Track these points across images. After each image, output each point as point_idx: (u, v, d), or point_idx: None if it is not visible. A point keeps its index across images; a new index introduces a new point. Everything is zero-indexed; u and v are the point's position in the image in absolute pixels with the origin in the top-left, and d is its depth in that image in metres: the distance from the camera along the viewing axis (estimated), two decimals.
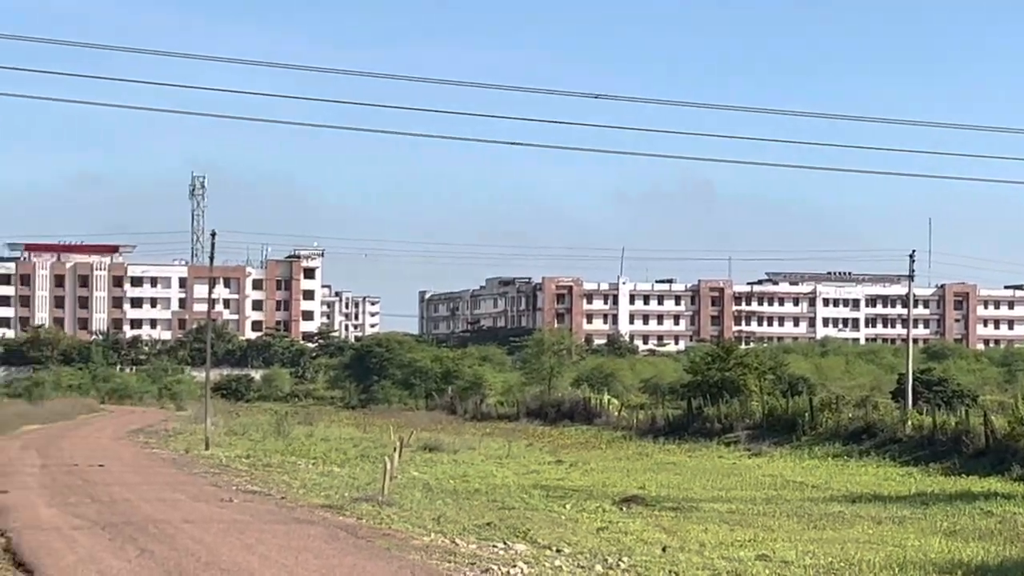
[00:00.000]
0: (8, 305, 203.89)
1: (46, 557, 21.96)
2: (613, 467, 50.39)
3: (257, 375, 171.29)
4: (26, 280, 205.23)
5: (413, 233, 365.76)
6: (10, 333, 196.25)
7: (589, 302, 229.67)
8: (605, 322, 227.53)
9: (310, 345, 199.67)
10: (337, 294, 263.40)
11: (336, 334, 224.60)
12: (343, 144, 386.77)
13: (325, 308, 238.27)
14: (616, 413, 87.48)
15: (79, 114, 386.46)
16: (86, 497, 33.31)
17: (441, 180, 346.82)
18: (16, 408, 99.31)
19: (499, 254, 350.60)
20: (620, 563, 22.92)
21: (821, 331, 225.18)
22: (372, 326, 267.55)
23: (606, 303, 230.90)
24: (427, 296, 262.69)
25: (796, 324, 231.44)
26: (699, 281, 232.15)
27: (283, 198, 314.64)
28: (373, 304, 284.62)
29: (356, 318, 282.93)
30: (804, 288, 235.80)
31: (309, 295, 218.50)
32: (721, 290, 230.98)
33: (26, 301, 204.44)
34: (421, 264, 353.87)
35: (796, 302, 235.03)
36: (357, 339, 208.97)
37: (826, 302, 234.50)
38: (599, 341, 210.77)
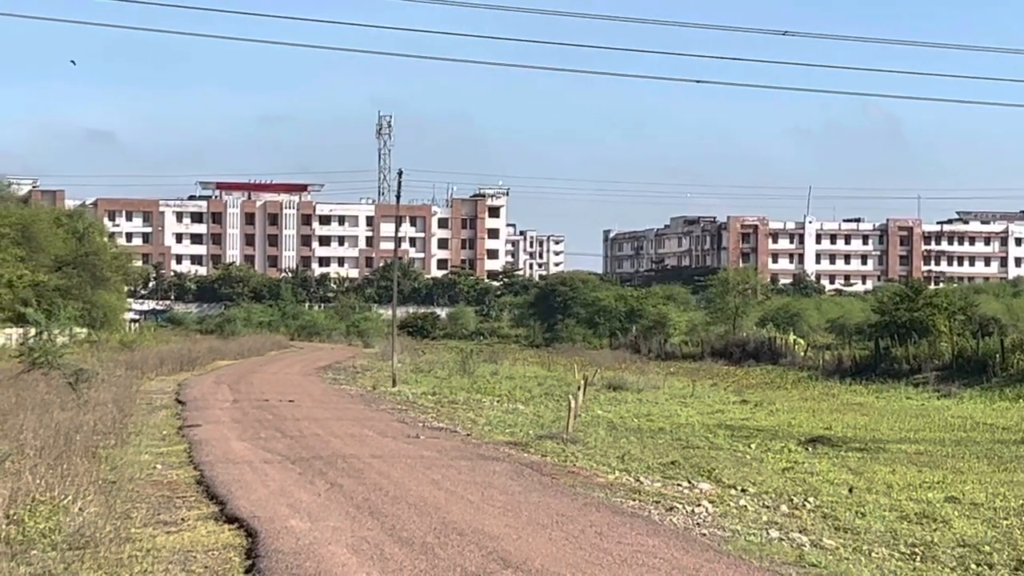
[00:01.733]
0: (200, 243, 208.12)
1: (237, 490, 22.40)
2: (799, 407, 49.95)
3: (442, 313, 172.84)
4: (218, 218, 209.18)
5: (597, 171, 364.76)
6: (202, 270, 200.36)
7: (774, 241, 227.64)
8: (791, 261, 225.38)
9: (495, 283, 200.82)
10: (522, 233, 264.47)
11: (520, 273, 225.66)
12: (527, 83, 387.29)
13: (510, 247, 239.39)
14: (802, 353, 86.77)
15: (267, 55, 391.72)
16: (276, 432, 33.91)
17: (624, 118, 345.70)
18: (208, 344, 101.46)
19: (682, 192, 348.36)
20: (806, 504, 22.74)
21: (1013, 271, 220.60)
22: (556, 265, 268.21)
23: (791, 242, 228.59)
24: (611, 235, 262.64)
25: (987, 264, 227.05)
26: (887, 220, 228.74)
27: (468, 137, 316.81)
28: (557, 243, 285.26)
29: (540, 257, 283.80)
30: (996, 227, 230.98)
31: (494, 234, 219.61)
32: (910, 229, 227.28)
33: (218, 239, 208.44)
34: (605, 203, 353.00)
35: (987, 241, 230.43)
36: (541, 278, 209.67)
37: (1018, 241, 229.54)
38: (784, 281, 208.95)
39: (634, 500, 22.26)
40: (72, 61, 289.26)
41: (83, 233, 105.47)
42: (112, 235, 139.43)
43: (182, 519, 19.87)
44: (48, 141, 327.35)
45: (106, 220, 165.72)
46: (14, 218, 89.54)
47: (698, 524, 19.95)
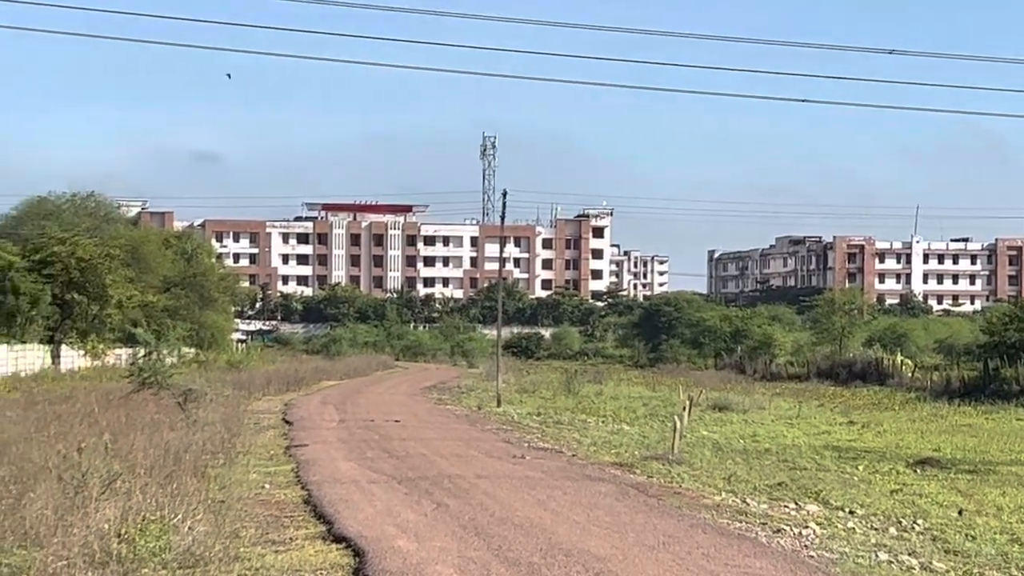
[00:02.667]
0: (307, 263, 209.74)
1: (344, 509, 22.51)
2: (906, 428, 49.40)
3: (547, 333, 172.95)
4: (323, 239, 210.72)
5: (702, 191, 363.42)
6: (308, 291, 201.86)
7: (881, 261, 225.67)
8: (897, 282, 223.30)
9: (599, 304, 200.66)
10: (626, 253, 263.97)
11: (625, 293, 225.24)
12: (630, 102, 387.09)
13: (614, 267, 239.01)
14: (909, 374, 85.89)
15: (371, 77, 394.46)
16: (382, 451, 34.05)
17: (728, 137, 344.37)
18: (314, 364, 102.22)
19: (787, 213, 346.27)
20: (915, 526, 22.50)
21: None
22: (660, 285, 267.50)
23: (898, 262, 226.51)
24: (716, 255, 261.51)
25: None
26: (996, 240, 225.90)
27: (572, 157, 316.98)
28: (662, 263, 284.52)
29: (645, 277, 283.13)
30: None
31: (598, 254, 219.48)
32: (1020, 248, 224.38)
33: (323, 260, 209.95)
34: (710, 223, 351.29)
35: None
36: (646, 298, 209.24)
37: None
38: (891, 301, 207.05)
39: (741, 522, 22.12)
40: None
41: (191, 254, 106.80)
42: (220, 256, 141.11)
43: (290, 538, 20.00)
44: (156, 163, 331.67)
45: (214, 241, 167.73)
46: (124, 239, 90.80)
47: (806, 546, 19.79)
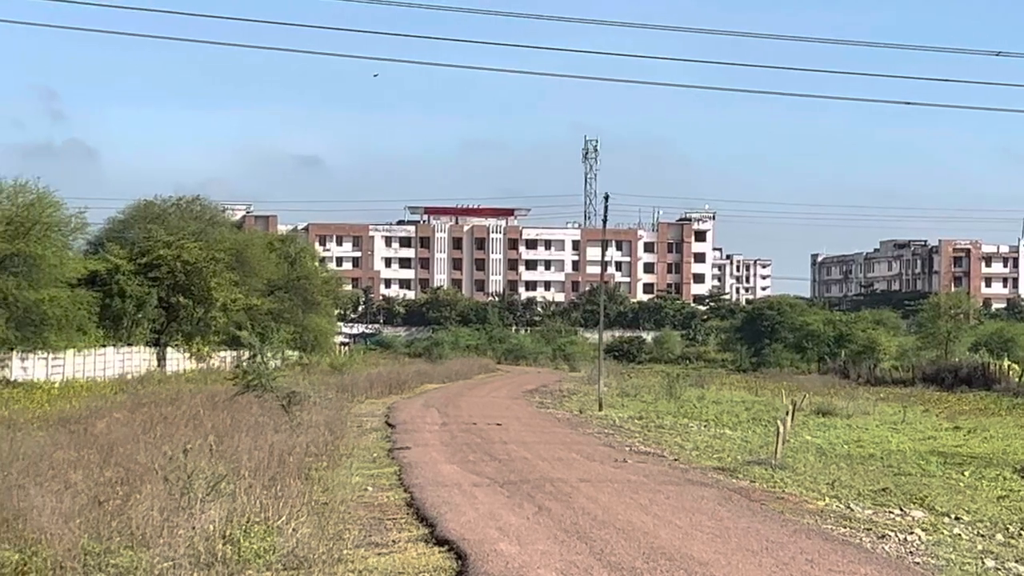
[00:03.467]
0: (409, 267, 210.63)
1: (447, 512, 22.58)
2: (1013, 434, 48.75)
3: (648, 337, 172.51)
4: (426, 243, 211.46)
5: (804, 195, 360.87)
6: (411, 294, 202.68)
7: (988, 265, 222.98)
8: (1004, 286, 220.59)
9: (701, 308, 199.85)
10: (728, 257, 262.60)
11: (727, 297, 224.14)
12: (732, 105, 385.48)
13: (716, 271, 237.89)
14: (1016, 379, 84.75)
15: (471, 81, 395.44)
16: (484, 455, 34.13)
17: (831, 140, 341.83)
18: (416, 367, 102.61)
19: (892, 215, 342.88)
20: (1023, 532, 22.22)
21: None
22: (763, 289, 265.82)
23: (1005, 266, 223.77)
24: (819, 259, 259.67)
25: None
26: None
27: (674, 161, 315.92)
28: (764, 267, 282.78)
29: (747, 281, 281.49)
30: None
31: (700, 258, 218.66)
32: None
33: (426, 263, 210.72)
34: (813, 226, 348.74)
35: None
36: (748, 302, 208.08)
37: None
38: (998, 305, 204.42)
39: (845, 527, 21.96)
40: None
41: (295, 258, 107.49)
42: (323, 260, 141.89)
43: (393, 541, 20.09)
44: (261, 167, 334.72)
45: (317, 245, 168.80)
46: (228, 243, 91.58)
47: (911, 552, 19.61)
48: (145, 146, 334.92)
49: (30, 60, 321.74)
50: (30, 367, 69.47)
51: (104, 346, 77.63)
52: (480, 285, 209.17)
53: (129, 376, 75.65)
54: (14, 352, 67.61)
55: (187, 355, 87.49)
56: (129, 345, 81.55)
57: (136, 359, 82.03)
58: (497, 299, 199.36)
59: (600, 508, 23.22)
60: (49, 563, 15.52)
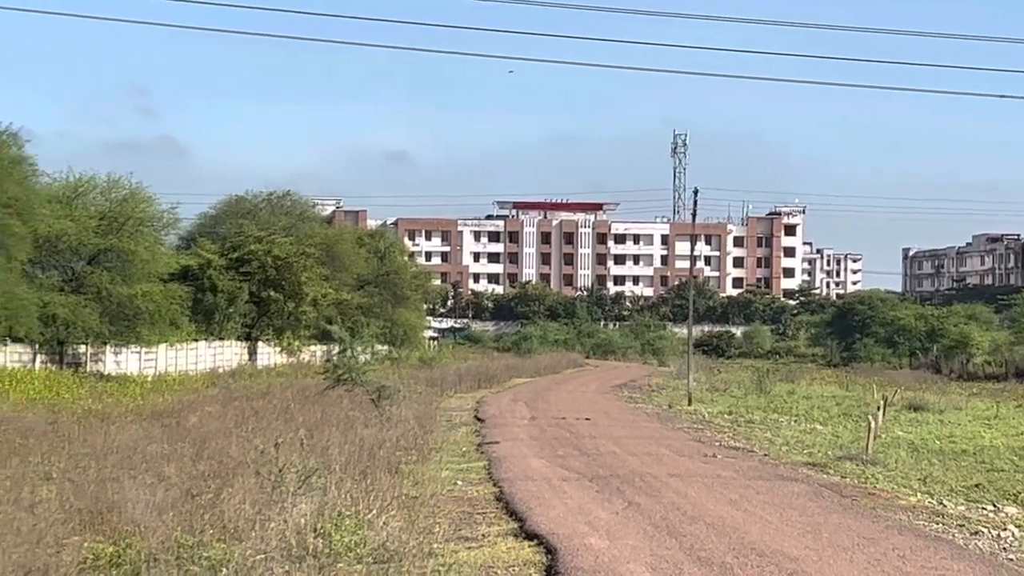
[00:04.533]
0: (498, 261, 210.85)
1: (536, 507, 22.60)
2: None
3: (738, 332, 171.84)
4: (514, 237, 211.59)
5: (895, 188, 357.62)
6: (499, 289, 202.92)
7: None
8: None
9: (791, 302, 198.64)
10: (818, 251, 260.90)
11: (817, 291, 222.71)
12: (823, 99, 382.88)
13: (806, 265, 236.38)
14: None
15: (558, 75, 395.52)
16: (573, 449, 34.12)
17: (922, 133, 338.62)
18: (505, 361, 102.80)
19: (984, 209, 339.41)
20: None
21: None
22: (854, 283, 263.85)
23: None
24: (911, 253, 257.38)
25: None
26: None
27: (763, 155, 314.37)
28: (855, 261, 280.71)
29: (838, 275, 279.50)
30: None
31: (790, 252, 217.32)
32: None
33: (514, 257, 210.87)
34: (904, 220, 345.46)
35: None
36: (839, 296, 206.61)
37: None
38: None
39: (937, 523, 21.76)
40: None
41: (384, 252, 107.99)
42: (412, 254, 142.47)
43: (483, 535, 20.13)
44: (350, 163, 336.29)
45: (406, 240, 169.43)
46: (319, 238, 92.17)
47: (1004, 549, 19.40)
48: (235, 142, 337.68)
49: (121, 58, 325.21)
50: (123, 361, 70.26)
51: (196, 340, 78.37)
52: (568, 280, 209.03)
53: (221, 370, 76.33)
54: (108, 346, 68.45)
55: (278, 349, 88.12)
56: (221, 339, 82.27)
57: (227, 353, 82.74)
58: (586, 294, 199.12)
59: (690, 503, 23.16)
60: (143, 555, 15.67)
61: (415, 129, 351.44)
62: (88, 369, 66.43)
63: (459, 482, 26.85)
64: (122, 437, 29.62)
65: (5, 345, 60.90)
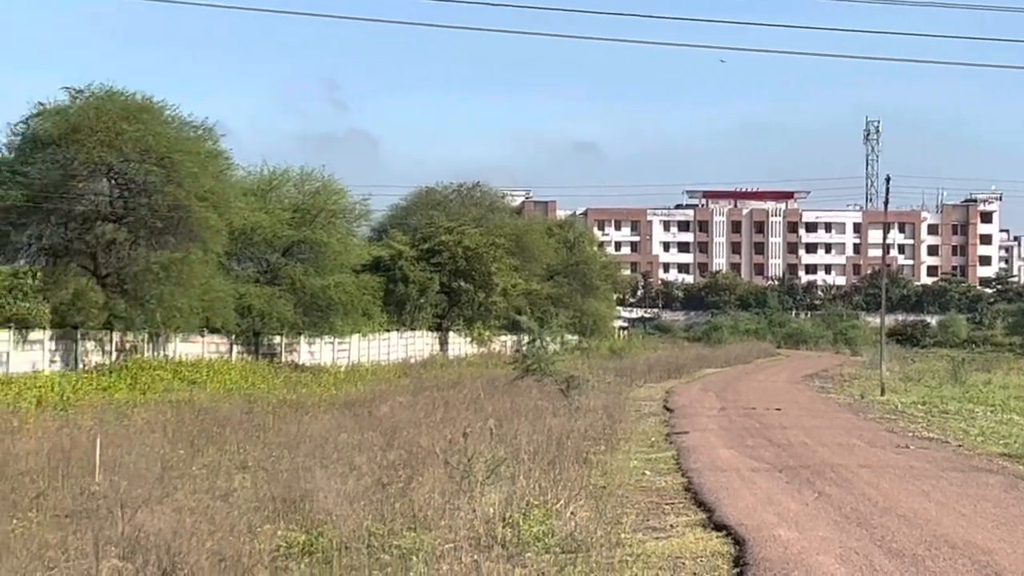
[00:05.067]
0: (687, 251, 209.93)
1: (725, 497, 22.49)
2: None
3: (932, 321, 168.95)
4: (704, 227, 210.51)
5: None
6: (689, 278, 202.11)
7: None
8: None
9: (987, 291, 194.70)
10: (1016, 238, 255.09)
11: (1015, 279, 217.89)
12: (1019, 84, 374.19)
13: (1003, 253, 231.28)
14: None
15: (745, 64, 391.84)
16: (763, 440, 33.90)
17: None
18: (695, 351, 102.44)
19: None
20: None
21: None
22: None
23: None
24: None
25: None
26: None
27: (958, 141, 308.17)
28: None
29: None
30: None
31: (986, 240, 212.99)
32: None
33: (704, 247, 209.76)
34: None
35: None
36: None
37: None
38: None
39: None
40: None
41: (573, 243, 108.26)
42: (601, 244, 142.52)
43: (670, 525, 20.08)
44: (539, 153, 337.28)
45: (595, 230, 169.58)
46: (508, 229, 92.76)
47: None
48: (425, 134, 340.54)
49: (313, 51, 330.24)
50: (317, 351, 71.47)
51: (388, 331, 79.40)
52: (759, 269, 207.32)
53: (412, 360, 77.23)
54: (302, 337, 69.65)
55: (468, 339, 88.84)
56: (412, 330, 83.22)
57: (419, 343, 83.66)
58: (776, 283, 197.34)
59: (881, 495, 22.85)
60: (334, 543, 15.93)
61: (604, 119, 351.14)
62: (283, 359, 67.73)
63: (647, 472, 26.82)
64: (315, 427, 30.15)
65: (203, 336, 62.31)
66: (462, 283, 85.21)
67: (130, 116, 55.92)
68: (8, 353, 51.30)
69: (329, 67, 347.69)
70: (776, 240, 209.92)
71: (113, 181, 57.33)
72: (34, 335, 52.65)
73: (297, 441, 26.79)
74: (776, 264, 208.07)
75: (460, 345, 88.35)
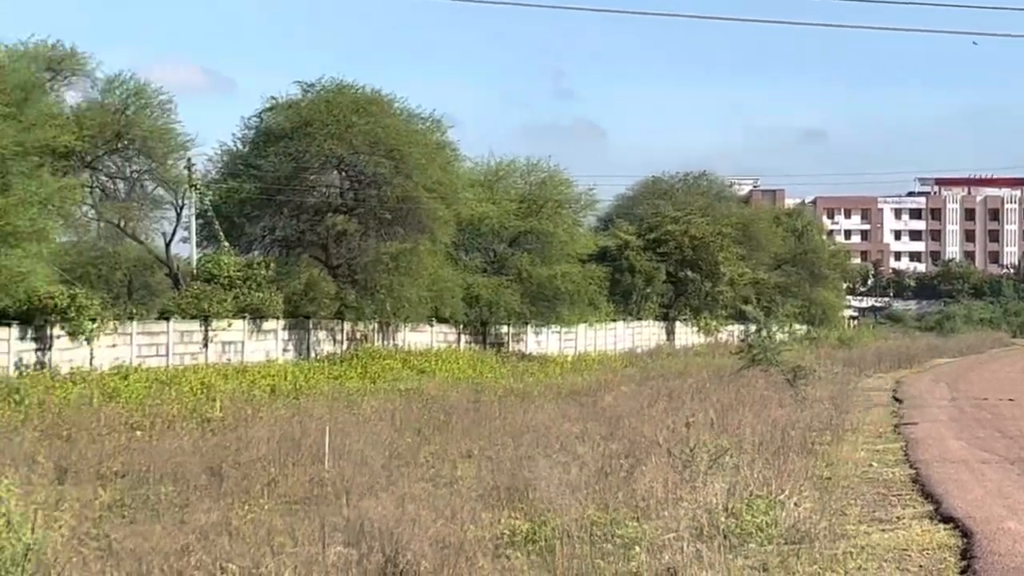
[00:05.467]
0: (919, 239, 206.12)
1: (953, 489, 22.10)
2: None
3: None
4: (936, 214, 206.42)
5: None
6: (921, 267, 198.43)
7: None
8: None
9: None
10: None
11: None
12: None
13: None
14: None
15: (980, 48, 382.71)
16: (994, 431, 33.19)
17: None
18: (926, 341, 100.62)
19: None
20: None
21: None
22: None
23: None
24: None
25: None
26: None
27: None
28: None
29: None
30: None
31: None
32: None
33: (936, 235, 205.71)
34: None
35: None
36: None
37: None
38: None
39: None
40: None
41: (802, 231, 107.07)
42: (830, 233, 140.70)
43: (896, 517, 19.80)
44: (766, 141, 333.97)
45: (824, 218, 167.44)
46: (735, 218, 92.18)
47: None
48: (651, 123, 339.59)
49: (539, 41, 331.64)
50: (544, 341, 71.92)
51: (614, 320, 79.54)
52: (994, 257, 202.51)
53: (638, 350, 77.26)
54: (528, 326, 70.15)
55: (695, 329, 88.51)
56: (638, 319, 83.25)
57: (645, 333, 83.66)
58: (1012, 271, 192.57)
59: None
60: (556, 532, 16.04)
61: (831, 107, 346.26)
62: (510, 349, 68.31)
63: (874, 463, 26.46)
64: (539, 416, 30.40)
65: (431, 326, 63.17)
66: (688, 273, 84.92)
67: (360, 109, 56.96)
68: (243, 342, 52.69)
69: (555, 58, 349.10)
70: (1012, 227, 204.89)
71: (343, 173, 58.44)
72: (268, 325, 53.97)
73: (521, 430, 27.05)
74: (1012, 252, 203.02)
75: (686, 335, 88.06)
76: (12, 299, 39.45)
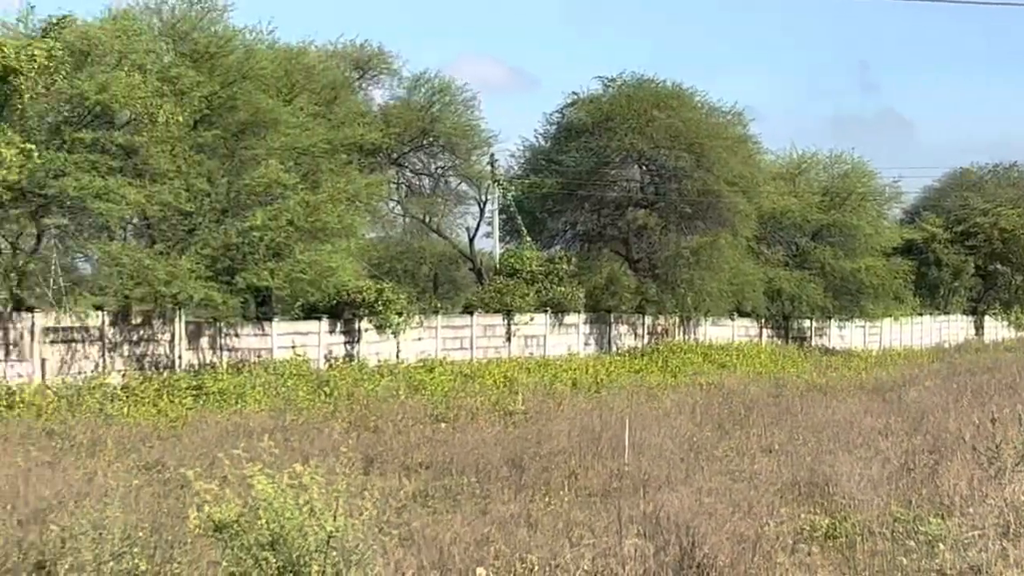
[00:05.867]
0: None
1: None
2: None
3: None
4: None
5: None
6: None
7: None
8: None
9: None
10: None
11: None
12: None
13: None
14: None
15: None
16: None
17: None
18: None
19: None
20: None
21: None
22: None
23: None
24: None
25: None
26: None
27: None
28: None
29: None
30: None
31: None
32: None
33: None
34: None
35: None
36: None
37: None
38: None
39: None
40: None
41: None
42: None
43: None
44: None
45: None
46: None
47: None
48: (960, 114, 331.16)
49: (847, 33, 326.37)
50: (847, 335, 70.91)
51: (920, 315, 77.92)
52: None
53: (945, 345, 75.55)
54: (832, 320, 69.23)
55: (1005, 323, 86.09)
56: (946, 314, 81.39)
57: (953, 328, 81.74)
58: None
59: None
60: (857, 528, 15.83)
61: None
62: (812, 343, 67.55)
63: None
64: (841, 411, 29.99)
65: (732, 320, 62.85)
66: (998, 266, 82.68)
67: (660, 103, 57.00)
68: (545, 336, 53.23)
69: (861, 48, 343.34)
70: None
71: (644, 167, 58.55)
72: (569, 319, 54.40)
73: (822, 425, 26.73)
74: None
75: (996, 329, 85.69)
76: (322, 294, 40.50)
